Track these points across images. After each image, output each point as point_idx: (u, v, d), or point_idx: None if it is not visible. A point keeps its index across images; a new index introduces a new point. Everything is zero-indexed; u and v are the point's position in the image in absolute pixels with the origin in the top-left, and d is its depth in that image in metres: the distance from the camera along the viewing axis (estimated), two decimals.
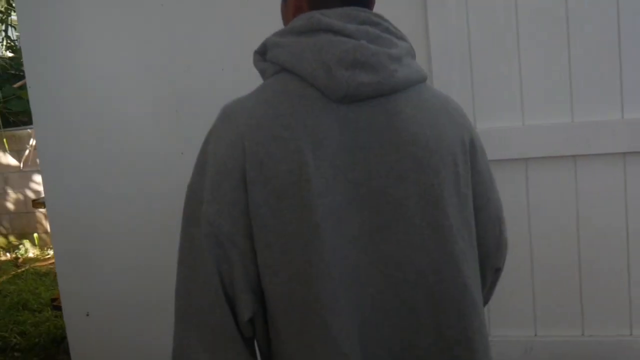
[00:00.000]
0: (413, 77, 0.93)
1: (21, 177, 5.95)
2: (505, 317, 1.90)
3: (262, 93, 0.92)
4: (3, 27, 7.07)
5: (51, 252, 5.44)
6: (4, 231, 6.20)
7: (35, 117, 2.33)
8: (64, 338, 2.35)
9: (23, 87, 5.23)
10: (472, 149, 0.97)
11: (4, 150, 5.93)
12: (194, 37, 2.12)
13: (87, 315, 2.37)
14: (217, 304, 0.87)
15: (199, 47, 2.12)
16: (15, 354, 3.31)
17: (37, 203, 3.17)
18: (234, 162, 0.86)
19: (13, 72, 6.20)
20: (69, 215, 2.34)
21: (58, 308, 2.53)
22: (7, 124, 6.08)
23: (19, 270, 4.99)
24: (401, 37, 0.95)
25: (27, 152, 5.69)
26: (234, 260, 0.87)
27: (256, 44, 0.98)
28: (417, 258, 0.89)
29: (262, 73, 0.96)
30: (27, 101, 2.43)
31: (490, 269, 1.06)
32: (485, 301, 1.11)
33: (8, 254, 5.89)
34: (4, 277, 4.74)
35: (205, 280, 0.87)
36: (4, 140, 5.83)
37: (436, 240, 0.89)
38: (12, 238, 6.16)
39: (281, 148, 0.85)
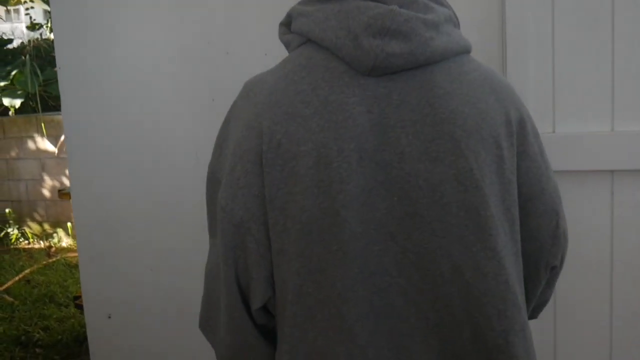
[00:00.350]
0: (453, 47, 0.87)
1: (58, 164, 5.99)
2: (574, 356, 1.69)
3: (283, 67, 0.89)
4: (49, 9, 7.17)
5: None
6: (39, 218, 6.27)
7: (63, 102, 2.25)
8: (87, 337, 2.30)
9: None
10: (522, 130, 0.90)
11: (42, 135, 5.98)
12: (233, 19, 1.98)
13: (109, 317, 2.29)
14: (229, 290, 0.88)
15: (239, 30, 1.98)
16: (37, 350, 3.28)
17: (63, 194, 3.09)
18: (249, 144, 0.84)
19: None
20: (95, 211, 2.24)
21: (80, 307, 2.46)
22: (47, 108, 6.15)
23: (50, 260, 5.02)
24: (439, 2, 0.90)
25: (62, 137, 5.69)
26: (249, 247, 0.85)
27: None
28: (454, 250, 0.84)
29: (287, 46, 0.93)
30: None
31: (546, 266, 0.98)
32: (544, 302, 1.07)
33: (42, 242, 5.95)
34: (35, 267, 4.76)
35: (220, 266, 0.89)
36: (42, 124, 5.88)
37: (475, 231, 0.84)
38: (46, 226, 6.23)
39: (301, 127, 0.82)
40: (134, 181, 2.17)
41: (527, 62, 1.60)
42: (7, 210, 6.19)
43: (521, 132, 0.90)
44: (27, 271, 4.50)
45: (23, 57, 6.46)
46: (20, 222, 6.27)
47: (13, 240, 6.01)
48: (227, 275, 0.88)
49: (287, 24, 0.94)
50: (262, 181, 0.84)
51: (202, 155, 2.05)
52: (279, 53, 1.90)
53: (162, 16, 2.06)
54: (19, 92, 6.19)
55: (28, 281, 4.44)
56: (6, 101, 6.17)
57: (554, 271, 1.02)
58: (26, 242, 6.05)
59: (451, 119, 0.83)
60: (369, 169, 0.82)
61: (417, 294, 0.84)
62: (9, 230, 6.10)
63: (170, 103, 2.10)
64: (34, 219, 6.29)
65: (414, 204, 0.83)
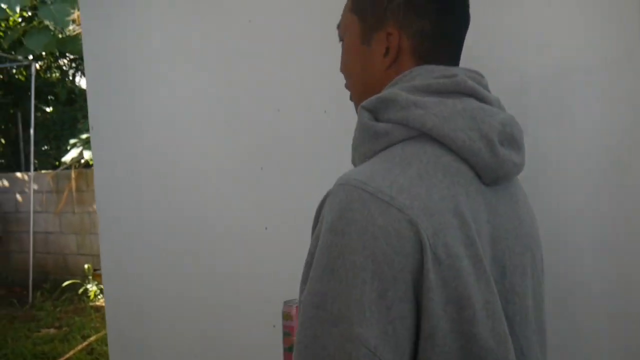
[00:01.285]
0: None
1: None
2: None
3: (409, 165, 0.80)
4: None
5: None
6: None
7: (96, 170, 2.07)
8: None
9: None
10: None
11: None
12: (287, 70, 1.69)
13: None
14: None
15: (293, 84, 1.69)
16: None
17: (98, 275, 2.88)
18: (404, 260, 0.74)
19: None
20: (126, 294, 2.06)
21: None
22: None
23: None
24: None
25: None
26: None
27: None
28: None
29: (381, 136, 0.83)
30: None
31: None
32: None
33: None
34: (101, 334, 4.61)
35: None
36: None
37: (541, 346, 0.90)
38: None
39: (455, 240, 0.76)
40: (167, 261, 1.93)
41: None
42: (86, 266, 6.20)
43: None
44: (92, 339, 4.37)
45: None
46: (100, 279, 6.27)
47: (92, 298, 5.98)
48: None
49: (373, 110, 0.84)
50: (415, 309, 0.74)
51: (248, 235, 1.76)
52: (339, 111, 1.59)
53: (204, 68, 1.84)
54: None
55: (92, 350, 4.29)
56: (87, 154, 6.26)
57: None
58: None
59: (529, 232, 0.89)
60: None
61: None
62: (88, 286, 6.09)
63: (210, 172, 1.85)
64: None
65: (510, 322, 0.82)
